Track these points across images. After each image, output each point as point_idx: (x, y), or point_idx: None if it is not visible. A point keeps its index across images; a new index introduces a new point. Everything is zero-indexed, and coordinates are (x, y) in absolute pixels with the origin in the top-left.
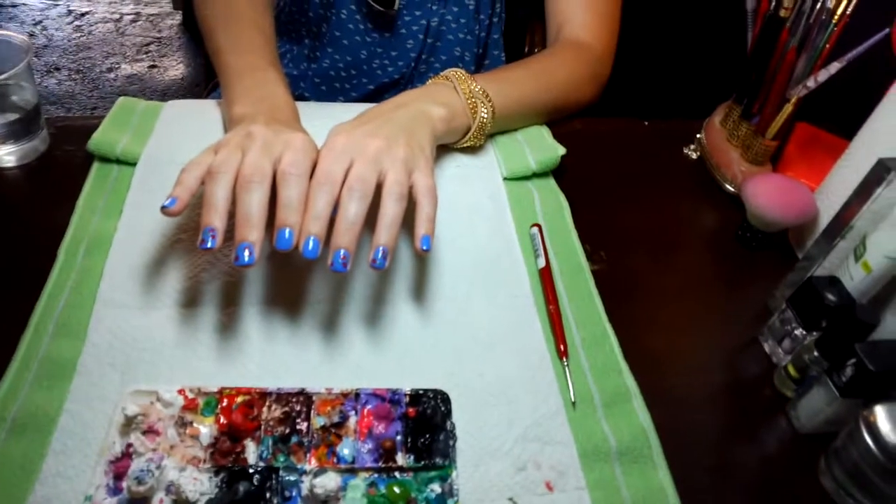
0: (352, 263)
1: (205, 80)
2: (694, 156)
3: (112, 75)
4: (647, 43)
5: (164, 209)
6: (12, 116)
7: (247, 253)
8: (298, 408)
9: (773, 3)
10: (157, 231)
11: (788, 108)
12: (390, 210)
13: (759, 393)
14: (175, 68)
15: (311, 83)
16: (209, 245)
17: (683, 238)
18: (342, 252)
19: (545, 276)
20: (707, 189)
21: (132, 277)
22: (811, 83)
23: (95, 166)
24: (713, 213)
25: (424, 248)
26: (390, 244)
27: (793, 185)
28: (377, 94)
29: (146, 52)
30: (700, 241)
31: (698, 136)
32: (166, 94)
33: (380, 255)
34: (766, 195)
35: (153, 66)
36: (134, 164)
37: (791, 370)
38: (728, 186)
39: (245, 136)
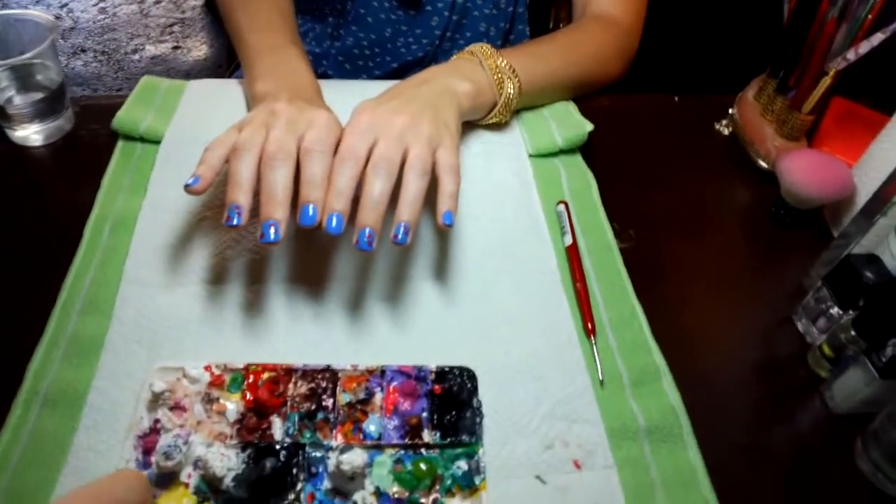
0: (377, 242)
1: (227, 61)
2: (726, 131)
3: (136, 56)
4: (676, 14)
5: (187, 187)
6: (38, 96)
7: (272, 230)
8: (324, 384)
9: None
10: (181, 209)
11: (826, 82)
12: (412, 186)
13: (793, 373)
14: (198, 49)
15: (334, 61)
16: (235, 222)
17: (715, 216)
18: (367, 231)
19: (572, 253)
20: (739, 166)
21: (157, 255)
22: (851, 55)
23: (120, 145)
24: (746, 191)
25: (447, 223)
26: (412, 220)
27: (829, 160)
28: (401, 72)
29: (170, 33)
30: (732, 218)
31: (731, 111)
32: (190, 74)
33: (402, 231)
34: (802, 171)
35: (177, 47)
36: (158, 143)
37: (826, 350)
38: (762, 163)
39: (269, 114)
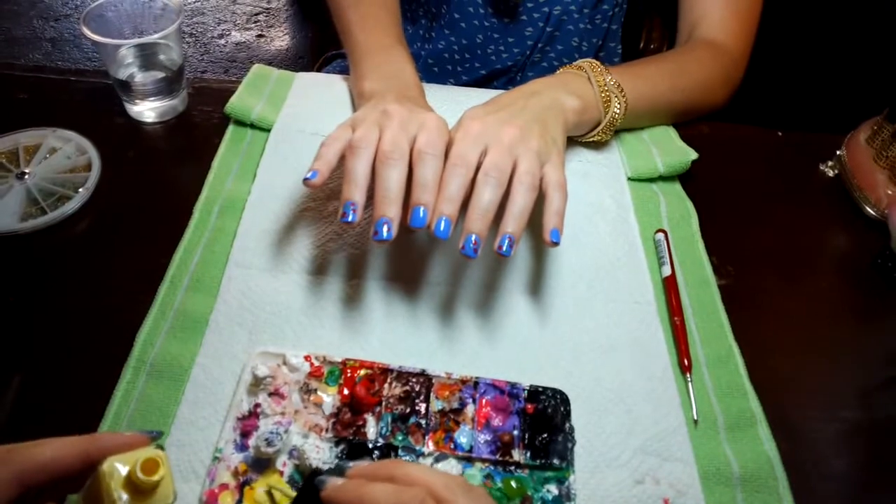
0: (482, 249)
1: (309, 54)
2: (831, 173)
3: (222, 41)
4: (785, 44)
5: (306, 181)
6: (158, 75)
7: (385, 228)
8: (418, 388)
9: None
10: (288, 197)
11: None
12: (520, 199)
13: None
14: (281, 39)
15: (423, 64)
16: (350, 219)
17: (815, 260)
18: (473, 237)
19: (670, 285)
20: (843, 210)
21: (263, 241)
22: None
23: (231, 129)
24: (849, 237)
25: (554, 240)
26: (517, 233)
27: None
28: (488, 80)
29: (255, 22)
30: (834, 264)
31: (838, 152)
32: (272, 63)
33: (506, 243)
34: None
35: (260, 36)
36: (267, 130)
37: None
38: (869, 210)
39: (382, 114)
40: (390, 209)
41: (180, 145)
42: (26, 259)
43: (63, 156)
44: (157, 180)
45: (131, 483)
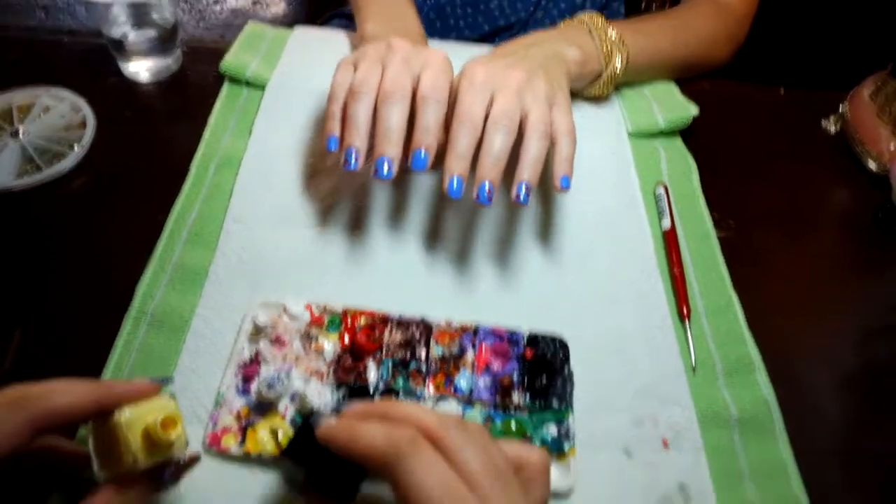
0: (496, 197)
1: (305, 19)
2: (833, 129)
3: (218, 8)
4: (788, 2)
5: (329, 151)
6: (151, 33)
7: (386, 167)
8: (418, 335)
9: None
10: (285, 153)
11: None
12: (534, 147)
13: (895, 383)
14: (276, 6)
15: (425, 17)
16: (352, 166)
17: (816, 214)
18: (487, 185)
19: (670, 237)
20: (845, 166)
21: (261, 196)
22: None
23: (226, 87)
24: (850, 192)
25: (564, 186)
26: (533, 180)
27: None
28: (491, 36)
29: None
30: (834, 219)
31: (841, 108)
32: None
33: (523, 190)
34: None
35: (256, 3)
36: (262, 88)
37: None
38: (872, 164)
39: (385, 48)
40: (390, 149)
41: (175, 105)
42: (24, 216)
43: (57, 114)
44: (153, 139)
45: (148, 436)
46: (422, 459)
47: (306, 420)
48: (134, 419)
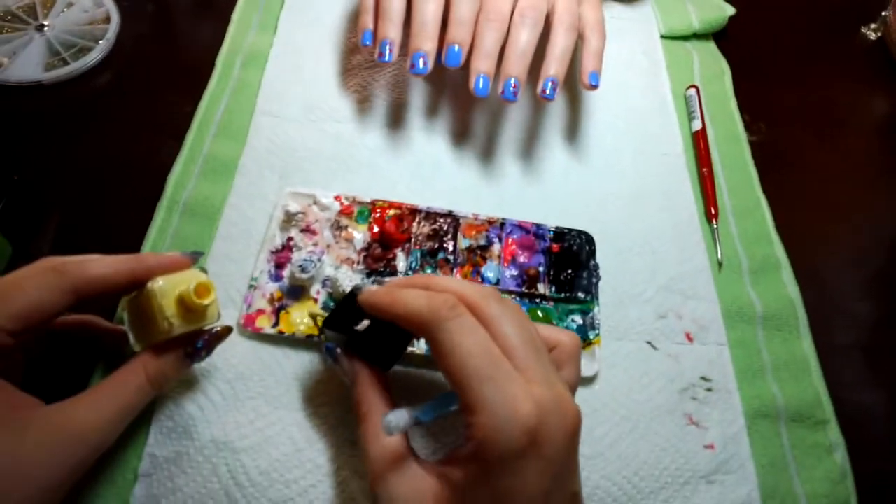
0: (521, 92)
1: None
2: (873, 36)
3: None
4: None
5: (364, 45)
6: None
7: (421, 62)
8: (446, 227)
9: None
10: (311, 48)
11: None
12: (561, 40)
13: None
14: None
15: None
16: (387, 58)
17: (852, 121)
18: (513, 80)
19: (700, 138)
20: (883, 73)
21: (288, 91)
22: None
23: None
24: (886, 101)
25: (593, 83)
26: (560, 75)
27: None
28: None
29: None
30: (869, 126)
31: (884, 13)
32: None
33: (549, 86)
34: None
35: None
36: None
37: None
38: None
39: None
40: (425, 43)
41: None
42: (54, 109)
43: (80, 9)
44: (178, 33)
45: (182, 302)
46: (462, 324)
47: (350, 293)
48: (168, 287)
